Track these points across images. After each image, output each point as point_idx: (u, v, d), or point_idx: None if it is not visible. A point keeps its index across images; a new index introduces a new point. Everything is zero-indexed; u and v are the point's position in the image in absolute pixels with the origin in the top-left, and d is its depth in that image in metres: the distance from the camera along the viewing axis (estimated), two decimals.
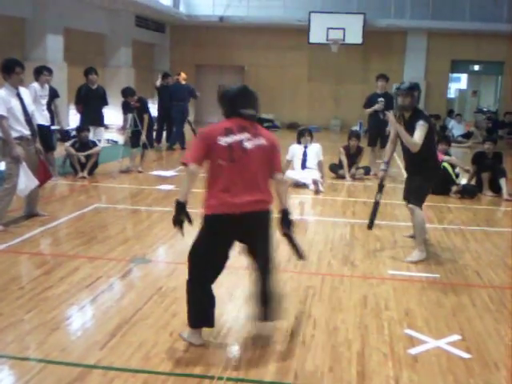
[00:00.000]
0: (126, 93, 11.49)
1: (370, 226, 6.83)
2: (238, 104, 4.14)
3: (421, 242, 6.47)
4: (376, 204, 6.71)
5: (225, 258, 4.24)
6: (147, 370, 3.77)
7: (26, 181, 6.96)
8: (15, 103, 6.93)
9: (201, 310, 4.19)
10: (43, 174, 7.37)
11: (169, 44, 24.07)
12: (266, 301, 4.21)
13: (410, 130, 6.15)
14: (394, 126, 6.45)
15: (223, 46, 23.27)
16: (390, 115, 6.48)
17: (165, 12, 21.06)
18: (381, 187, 6.67)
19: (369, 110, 11.77)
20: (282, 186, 4.41)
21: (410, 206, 6.43)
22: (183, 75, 15.69)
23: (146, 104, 11.74)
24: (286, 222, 4.41)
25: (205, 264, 4.16)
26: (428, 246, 6.84)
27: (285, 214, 4.40)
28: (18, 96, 7.02)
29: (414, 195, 6.41)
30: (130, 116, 11.32)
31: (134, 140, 11.41)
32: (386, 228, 7.65)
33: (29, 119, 7.10)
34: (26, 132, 7.06)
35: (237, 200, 4.01)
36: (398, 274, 5.92)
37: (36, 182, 7.09)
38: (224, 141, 4.00)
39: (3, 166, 7.30)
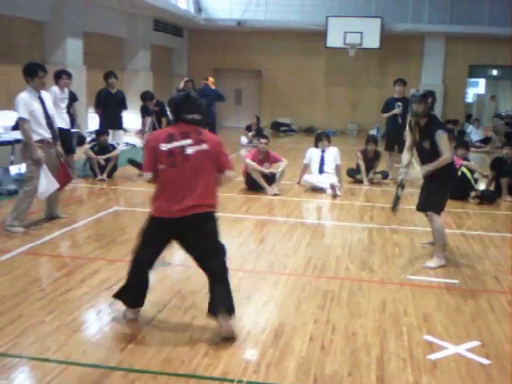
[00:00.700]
0: (145, 97, 11.58)
1: (394, 208, 6.72)
2: (182, 110, 4.37)
3: (439, 248, 6.45)
4: (397, 198, 6.63)
5: (159, 251, 4.54)
6: (167, 372, 3.80)
7: (47, 183, 7.02)
8: (37, 106, 7.00)
9: (137, 292, 4.63)
10: (64, 176, 7.43)
11: (187, 48, 24.17)
12: (219, 295, 4.39)
13: (427, 136, 6.20)
14: (427, 172, 6.34)
15: (241, 50, 23.34)
16: (427, 169, 6.32)
17: (183, 16, 21.16)
18: (402, 186, 6.59)
19: (386, 115, 11.75)
20: (227, 182, 4.66)
21: (429, 212, 6.42)
22: (211, 79, 15.78)
23: (164, 107, 11.81)
24: None
25: (142, 252, 4.51)
26: (447, 252, 6.83)
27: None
28: (40, 99, 7.09)
29: (434, 202, 6.39)
30: (148, 119, 11.40)
31: None
32: (405, 233, 7.63)
33: (50, 122, 7.18)
34: (47, 135, 7.13)
35: (176, 205, 4.25)
36: (417, 280, 5.90)
37: (56, 185, 7.16)
38: (165, 147, 4.25)
39: (24, 169, 7.37)
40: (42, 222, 7.49)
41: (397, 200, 6.63)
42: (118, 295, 4.68)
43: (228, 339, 4.28)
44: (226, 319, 4.31)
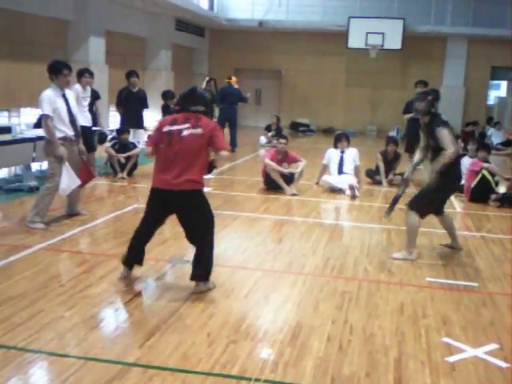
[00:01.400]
0: (167, 96, 11.65)
1: (387, 215, 6.94)
2: (188, 102, 5.18)
3: (409, 243, 6.54)
4: (397, 197, 6.74)
5: (158, 221, 5.39)
6: (185, 369, 3.82)
7: (68, 180, 7.09)
8: (61, 104, 7.07)
9: (133, 253, 5.44)
10: (86, 174, 7.51)
11: (208, 48, 24.25)
12: (195, 264, 5.19)
13: (430, 134, 6.35)
14: (434, 169, 6.39)
15: (261, 50, 23.37)
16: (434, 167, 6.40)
17: (204, 16, 21.24)
18: (405, 182, 6.70)
19: (407, 116, 11.70)
20: (222, 159, 5.26)
21: (406, 207, 6.52)
22: (234, 79, 15.86)
23: None
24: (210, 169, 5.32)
25: (144, 222, 5.37)
26: (466, 255, 6.83)
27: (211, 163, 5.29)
28: (64, 97, 7.17)
29: (414, 199, 6.52)
30: None
31: None
32: (424, 235, 7.58)
33: (73, 120, 7.24)
34: (70, 133, 7.20)
35: (169, 178, 4.99)
36: (436, 282, 5.87)
37: (78, 182, 7.23)
38: (167, 128, 5.09)
39: (46, 166, 7.42)
40: (63, 218, 7.56)
41: (395, 200, 6.70)
42: (124, 260, 5.51)
43: (244, 338, 4.30)
44: (197, 284, 5.21)
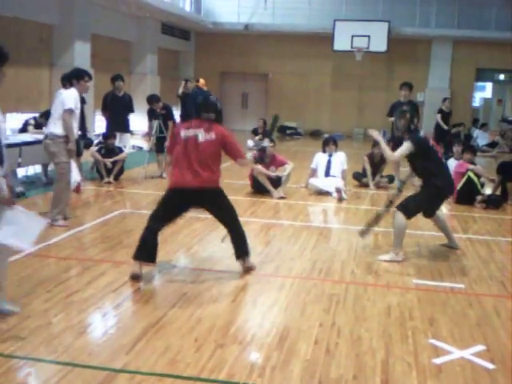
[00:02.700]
0: (152, 99, 11.62)
1: (363, 233, 7.04)
2: (202, 109, 5.66)
3: (396, 245, 6.61)
4: (377, 216, 6.92)
5: (176, 217, 5.80)
6: (173, 374, 3.81)
7: (75, 175, 7.71)
8: (79, 106, 7.68)
9: (144, 248, 5.60)
10: None
11: (194, 51, 24.25)
12: (233, 244, 5.87)
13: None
14: (378, 140, 7.04)
15: (248, 53, 23.40)
16: (374, 132, 7.03)
17: (190, 19, 21.25)
18: (389, 203, 6.91)
19: (392, 119, 11.75)
20: (243, 166, 6.41)
21: (395, 208, 6.62)
22: (202, 81, 15.78)
23: (171, 111, 11.85)
24: None
25: (160, 218, 5.70)
26: (453, 256, 6.88)
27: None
28: (82, 101, 8.03)
29: (406, 202, 6.63)
30: (155, 122, 11.44)
31: (159, 146, 11.52)
32: (410, 237, 7.60)
33: (83, 124, 8.32)
34: (76, 134, 7.81)
35: (187, 178, 5.49)
36: (423, 284, 5.90)
37: (80, 178, 7.81)
38: (183, 133, 5.57)
39: (52, 167, 8.20)
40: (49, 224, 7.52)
41: (375, 220, 6.84)
42: (136, 256, 5.64)
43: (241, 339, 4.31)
44: (244, 260, 5.91)
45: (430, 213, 6.89)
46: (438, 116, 16.23)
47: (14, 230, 4.27)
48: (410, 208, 6.55)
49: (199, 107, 5.69)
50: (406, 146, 6.50)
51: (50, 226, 7.12)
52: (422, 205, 6.65)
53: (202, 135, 5.51)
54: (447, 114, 16.46)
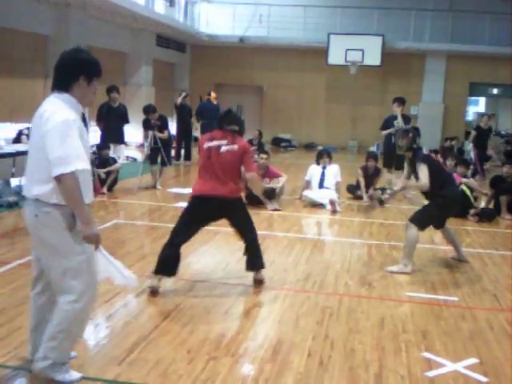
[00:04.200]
0: (148, 110, 11.64)
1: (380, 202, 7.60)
2: (224, 122, 5.77)
3: (406, 256, 6.68)
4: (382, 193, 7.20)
5: (199, 226, 5.77)
6: None
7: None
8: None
9: (163, 261, 5.58)
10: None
11: (189, 63, 24.29)
12: (249, 255, 5.90)
13: (413, 169, 6.77)
14: (408, 189, 7.50)
15: (243, 66, 23.46)
16: (387, 196, 7.34)
17: (185, 32, 21.30)
18: (380, 202, 7.33)
19: (385, 132, 11.88)
20: (252, 183, 6.15)
21: (408, 221, 6.75)
22: (213, 94, 15.95)
23: (166, 122, 11.87)
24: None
25: (183, 228, 5.71)
26: (446, 269, 6.91)
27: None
28: (83, 115, 7.71)
29: (418, 214, 6.79)
30: (150, 133, 11.44)
31: (153, 157, 11.52)
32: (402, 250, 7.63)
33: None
34: None
35: (210, 186, 5.57)
36: (416, 297, 5.90)
37: None
38: (206, 145, 5.68)
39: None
40: None
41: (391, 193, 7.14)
42: (156, 270, 5.61)
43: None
44: (257, 272, 5.96)
45: (440, 224, 7.02)
46: (473, 134, 15.40)
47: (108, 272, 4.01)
48: (422, 220, 6.70)
49: (222, 119, 5.80)
50: (423, 169, 6.57)
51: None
52: (434, 216, 6.79)
53: (225, 146, 5.61)
54: (485, 131, 15.52)
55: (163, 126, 11.65)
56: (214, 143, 5.65)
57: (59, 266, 3.61)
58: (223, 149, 5.59)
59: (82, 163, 3.45)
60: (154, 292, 5.53)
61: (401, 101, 11.97)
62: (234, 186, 5.65)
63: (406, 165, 7.08)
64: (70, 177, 3.40)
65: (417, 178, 6.72)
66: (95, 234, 3.64)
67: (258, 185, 6.59)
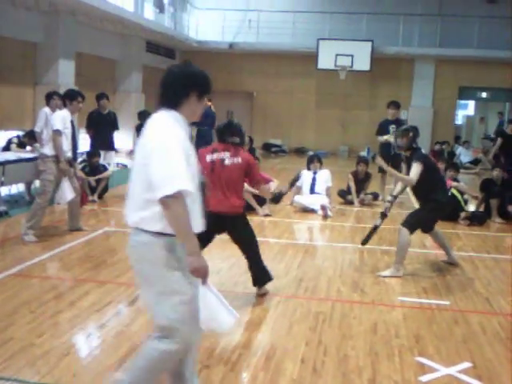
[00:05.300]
0: (144, 115, 11.70)
1: (364, 242, 7.22)
2: (226, 134, 5.70)
3: (398, 260, 6.72)
4: (375, 227, 7.08)
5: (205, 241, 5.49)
6: None
7: (68, 193, 7.75)
8: (69, 127, 7.77)
9: None
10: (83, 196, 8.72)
11: None
12: (252, 272, 5.84)
13: (410, 168, 6.72)
14: (387, 171, 7.28)
15: (233, 71, 23.47)
16: (379, 160, 7.32)
17: (175, 38, 21.30)
18: (383, 216, 7.05)
19: (382, 140, 11.69)
20: (266, 193, 6.47)
21: (400, 225, 6.75)
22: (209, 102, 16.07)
23: None
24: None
25: None
26: (437, 273, 6.92)
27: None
28: (72, 123, 7.91)
29: (409, 218, 6.81)
30: None
31: None
32: (394, 255, 7.64)
33: (75, 144, 8.13)
34: (68, 154, 7.84)
35: (213, 202, 5.35)
36: (408, 301, 5.91)
37: (73, 195, 7.82)
38: (209, 157, 5.61)
39: (37, 184, 8.34)
40: (32, 243, 7.46)
41: (373, 230, 6.98)
42: None
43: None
44: (260, 287, 5.88)
45: (429, 227, 7.05)
46: (499, 142, 13.21)
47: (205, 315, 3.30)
48: (414, 224, 6.74)
49: (224, 132, 5.72)
50: (417, 167, 6.60)
51: (23, 243, 7.43)
52: (423, 219, 6.83)
53: (228, 159, 5.56)
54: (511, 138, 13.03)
55: None
56: (216, 156, 5.59)
57: (157, 303, 3.19)
58: (227, 162, 5.55)
59: (188, 184, 3.04)
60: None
61: (396, 104, 11.96)
62: (236, 200, 5.60)
63: (403, 164, 7.06)
64: (177, 199, 2.99)
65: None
66: (204, 266, 3.14)
67: (268, 192, 6.61)
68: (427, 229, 7.09)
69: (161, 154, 3.04)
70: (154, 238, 3.11)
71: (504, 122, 24.04)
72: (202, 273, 3.14)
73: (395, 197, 7.13)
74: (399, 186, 7.24)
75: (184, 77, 3.36)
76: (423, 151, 7.13)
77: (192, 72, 3.42)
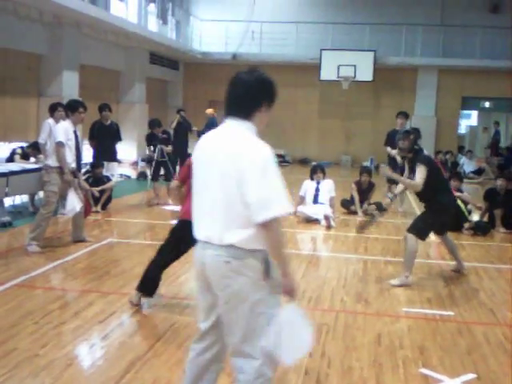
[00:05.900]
0: (154, 124, 11.89)
1: (359, 230, 7.48)
2: None
3: (406, 269, 6.71)
4: (372, 217, 7.10)
5: (182, 251, 5.54)
6: None
7: (75, 204, 7.75)
8: (72, 137, 7.76)
9: (147, 282, 5.62)
10: (87, 207, 8.58)
11: (182, 81, 24.35)
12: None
13: (412, 169, 6.71)
14: (394, 178, 7.18)
15: None
16: (387, 170, 7.25)
17: (178, 49, 21.38)
18: (382, 209, 7.04)
19: (392, 152, 11.60)
20: None
21: (407, 232, 6.74)
22: (210, 110, 16.29)
23: (170, 136, 12.40)
24: None
25: (171, 251, 5.60)
26: (442, 283, 6.91)
27: None
28: (75, 133, 7.89)
29: (414, 224, 6.78)
30: (158, 147, 11.82)
31: (156, 172, 11.95)
32: (399, 265, 7.61)
33: (78, 155, 8.08)
34: (73, 165, 7.85)
35: None
36: (413, 312, 5.89)
37: (80, 205, 7.84)
38: None
39: (42, 194, 8.35)
40: (36, 254, 7.46)
41: (370, 220, 7.04)
42: (138, 287, 5.65)
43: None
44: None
45: (442, 230, 7.07)
46: None
47: (284, 337, 3.04)
48: (421, 229, 6.70)
49: None
50: (421, 170, 6.56)
51: (27, 253, 7.44)
52: (433, 223, 6.79)
53: None
54: None
55: (169, 140, 12.09)
56: None
57: (244, 319, 3.05)
58: None
59: (289, 206, 2.98)
60: (133, 305, 5.64)
61: (404, 115, 12.00)
62: None
63: (406, 166, 7.06)
64: (277, 221, 2.91)
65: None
66: (295, 287, 3.12)
67: None
68: (439, 232, 7.12)
69: (258, 173, 2.95)
70: (249, 255, 3.04)
71: (499, 132, 24.13)
72: (292, 294, 3.10)
73: (395, 195, 7.20)
74: (400, 187, 7.24)
75: (256, 86, 3.25)
76: (426, 152, 7.12)
77: (263, 80, 3.31)
